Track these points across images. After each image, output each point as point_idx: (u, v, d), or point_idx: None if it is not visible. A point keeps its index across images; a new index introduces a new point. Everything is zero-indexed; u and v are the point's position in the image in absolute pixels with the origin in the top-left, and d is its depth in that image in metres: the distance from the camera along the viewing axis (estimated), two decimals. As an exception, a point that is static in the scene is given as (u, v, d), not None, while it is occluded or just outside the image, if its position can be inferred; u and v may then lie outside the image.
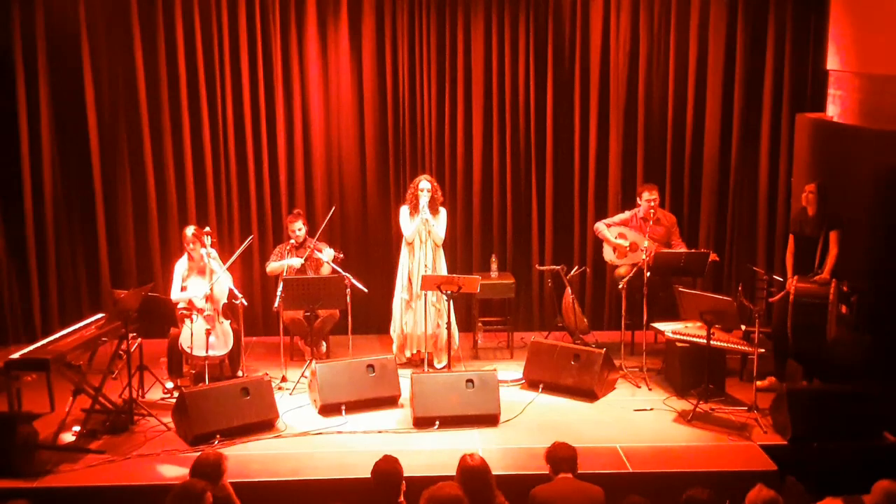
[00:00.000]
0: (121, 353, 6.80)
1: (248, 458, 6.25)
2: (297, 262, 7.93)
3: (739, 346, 7.23)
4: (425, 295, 7.74)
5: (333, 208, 8.18)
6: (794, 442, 6.40)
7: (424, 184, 7.79)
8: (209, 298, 7.36)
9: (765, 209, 8.86)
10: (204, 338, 7.21)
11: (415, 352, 7.95)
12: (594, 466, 5.91)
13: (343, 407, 6.96)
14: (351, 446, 6.47)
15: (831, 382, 7.03)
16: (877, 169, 7.03)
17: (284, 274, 7.86)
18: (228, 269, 7.56)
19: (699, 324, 7.00)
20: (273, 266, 8.09)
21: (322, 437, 6.65)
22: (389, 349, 8.05)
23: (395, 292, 7.99)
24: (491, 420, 6.82)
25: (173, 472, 6.03)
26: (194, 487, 4.53)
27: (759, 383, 7.02)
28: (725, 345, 7.16)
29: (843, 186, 7.34)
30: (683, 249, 8.06)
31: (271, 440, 6.59)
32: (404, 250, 7.91)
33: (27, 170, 8.44)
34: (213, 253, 7.45)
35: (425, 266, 7.74)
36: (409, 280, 7.83)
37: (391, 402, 7.16)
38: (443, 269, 7.88)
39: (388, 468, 4.76)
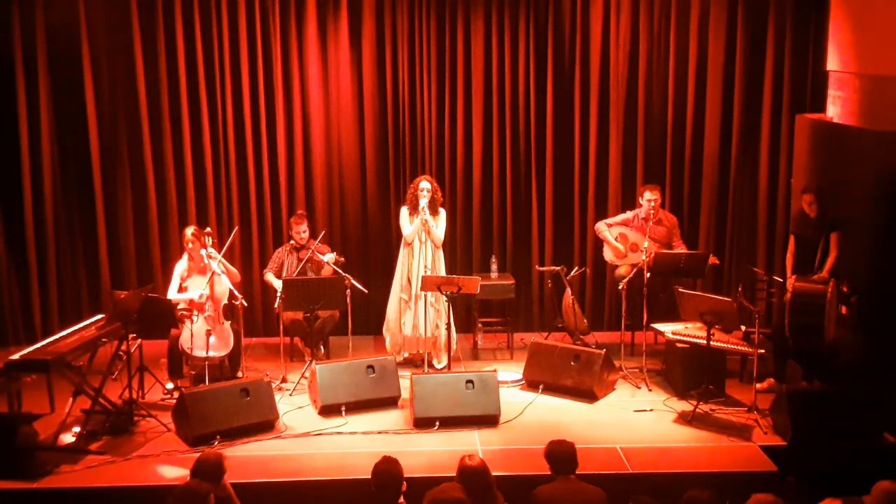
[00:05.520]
0: (121, 353, 6.80)
1: (248, 458, 6.26)
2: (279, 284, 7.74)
3: (739, 347, 7.23)
4: (425, 296, 7.74)
5: (323, 233, 8.08)
6: (793, 443, 6.40)
7: (424, 184, 7.80)
8: (210, 299, 7.36)
9: (765, 210, 8.85)
10: (204, 338, 7.22)
11: (413, 352, 7.94)
12: (594, 467, 5.91)
13: (343, 408, 6.97)
14: (351, 447, 6.47)
15: (831, 383, 7.04)
16: (877, 170, 7.03)
17: (284, 275, 7.86)
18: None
19: (699, 325, 7.00)
20: (270, 278, 8.06)
21: (322, 437, 6.65)
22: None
23: (392, 292, 8.00)
24: (491, 421, 6.83)
25: (173, 473, 6.03)
26: (199, 488, 4.52)
27: (758, 385, 7.03)
28: (725, 346, 7.17)
29: (842, 188, 7.34)
30: (683, 250, 8.06)
31: (271, 441, 6.58)
32: (403, 251, 7.91)
33: (27, 170, 8.44)
34: (214, 253, 7.45)
35: (425, 267, 7.74)
36: (409, 281, 7.83)
37: (391, 402, 7.16)
38: (442, 270, 7.88)
39: (388, 469, 4.75)
